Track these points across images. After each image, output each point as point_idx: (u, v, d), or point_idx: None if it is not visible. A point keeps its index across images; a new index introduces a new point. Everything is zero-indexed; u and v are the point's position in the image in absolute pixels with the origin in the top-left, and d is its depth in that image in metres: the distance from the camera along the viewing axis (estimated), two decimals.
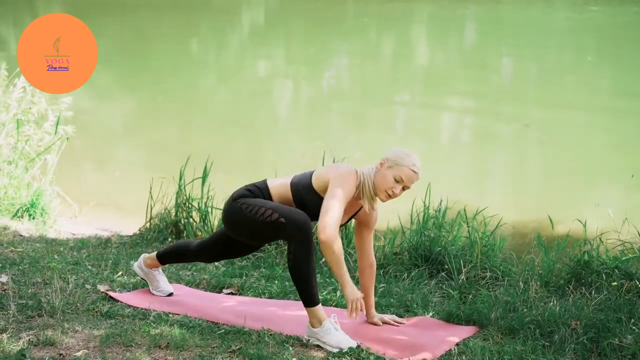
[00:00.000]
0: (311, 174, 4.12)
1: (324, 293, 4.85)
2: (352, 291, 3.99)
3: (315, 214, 4.05)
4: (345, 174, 4.01)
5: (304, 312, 4.42)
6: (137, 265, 4.69)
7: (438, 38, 19.70)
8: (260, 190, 4.15)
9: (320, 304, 4.01)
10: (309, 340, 4.01)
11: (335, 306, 4.67)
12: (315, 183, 4.07)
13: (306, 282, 3.95)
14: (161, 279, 4.65)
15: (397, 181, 4.04)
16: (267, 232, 4.06)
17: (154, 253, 4.63)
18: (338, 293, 4.87)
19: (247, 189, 4.18)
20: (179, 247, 4.59)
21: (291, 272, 3.97)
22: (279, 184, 4.16)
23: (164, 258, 4.59)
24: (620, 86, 13.51)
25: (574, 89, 13.56)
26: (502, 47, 17.76)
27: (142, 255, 4.68)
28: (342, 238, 5.60)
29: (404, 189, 4.09)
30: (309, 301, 3.99)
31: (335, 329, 3.98)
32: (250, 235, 4.15)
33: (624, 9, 22.27)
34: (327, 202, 3.93)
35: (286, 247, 5.50)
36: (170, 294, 4.63)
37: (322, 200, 4.00)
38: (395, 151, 4.08)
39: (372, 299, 4.42)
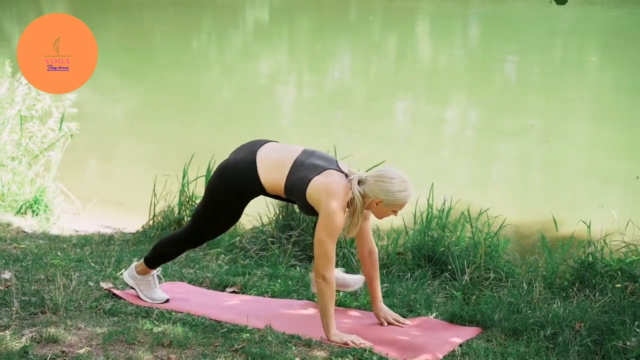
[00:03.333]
0: (307, 180, 4.02)
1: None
2: (336, 334, 4.06)
3: (302, 210, 4.16)
4: (334, 212, 3.96)
5: (307, 311, 4.43)
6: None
7: (442, 37, 19.68)
8: (251, 179, 4.09)
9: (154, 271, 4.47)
10: (125, 286, 4.46)
11: (338, 306, 4.65)
12: (310, 199, 4.03)
13: (164, 259, 4.47)
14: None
15: (394, 212, 4.08)
16: (202, 209, 4.26)
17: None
18: (341, 293, 4.87)
19: (241, 179, 4.10)
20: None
21: (164, 244, 4.41)
22: (272, 180, 4.08)
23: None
24: (625, 87, 13.49)
25: (578, 90, 13.54)
26: (506, 47, 17.73)
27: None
28: (344, 236, 5.59)
29: None
30: (152, 265, 4.46)
31: (154, 286, 4.46)
32: (205, 206, 4.26)
33: (628, 10, 22.24)
34: (321, 249, 3.99)
35: (289, 245, 5.53)
36: (167, 301, 4.56)
37: (312, 208, 4.03)
38: (386, 189, 3.97)
39: (378, 289, 4.38)
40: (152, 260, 4.47)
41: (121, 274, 4.82)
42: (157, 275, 4.55)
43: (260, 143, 4.20)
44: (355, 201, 4.02)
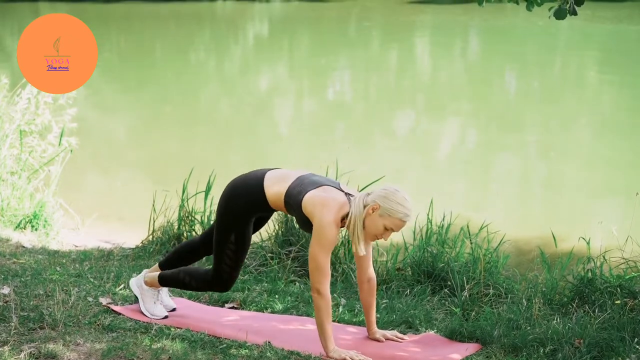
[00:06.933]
0: (303, 194, 4.06)
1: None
2: (335, 350, 4.03)
3: (300, 226, 4.20)
4: (327, 224, 3.97)
5: (306, 327, 4.43)
6: (134, 283, 4.66)
7: (442, 51, 19.74)
8: (258, 197, 4.17)
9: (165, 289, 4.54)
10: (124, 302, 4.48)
11: (338, 322, 4.65)
12: (305, 208, 4.06)
13: (177, 285, 4.48)
14: (160, 297, 4.62)
15: (386, 229, 4.03)
16: (217, 252, 4.27)
17: (156, 265, 4.63)
18: (340, 308, 4.86)
19: (248, 199, 4.18)
20: (182, 248, 4.62)
21: (189, 274, 4.41)
22: (276, 193, 4.15)
23: (169, 267, 4.59)
24: (624, 102, 13.52)
25: (577, 105, 13.56)
26: (506, 61, 17.79)
27: (145, 273, 4.66)
28: (345, 253, 5.59)
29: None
30: (164, 284, 4.49)
31: (157, 301, 4.50)
32: (216, 230, 4.28)
33: (628, 25, 22.30)
34: (314, 262, 3.99)
35: (288, 260, 5.53)
36: (174, 310, 4.60)
37: (309, 220, 4.05)
38: (386, 197, 3.98)
39: (374, 315, 4.40)
40: (167, 282, 4.50)
41: (121, 288, 4.81)
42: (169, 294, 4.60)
43: (273, 168, 4.32)
44: (350, 217, 4.02)
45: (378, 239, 4.08)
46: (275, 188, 4.15)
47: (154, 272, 4.57)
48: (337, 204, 4.01)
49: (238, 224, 4.22)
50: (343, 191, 4.10)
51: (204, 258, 4.97)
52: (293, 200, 4.08)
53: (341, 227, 4.08)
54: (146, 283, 4.54)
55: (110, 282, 5.10)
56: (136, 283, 4.58)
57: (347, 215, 4.04)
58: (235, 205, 4.21)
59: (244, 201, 4.19)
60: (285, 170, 4.29)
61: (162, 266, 4.60)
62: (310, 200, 4.02)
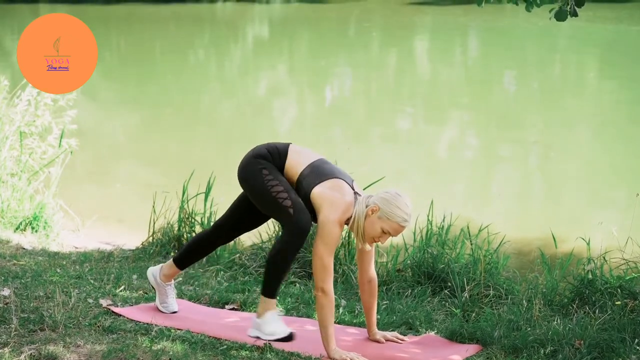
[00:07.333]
0: (315, 184, 4.08)
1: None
2: (336, 351, 4.02)
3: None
4: (331, 223, 3.99)
5: (306, 328, 4.42)
6: (151, 273, 4.62)
7: (442, 51, 19.73)
8: (279, 156, 4.19)
9: (276, 300, 4.21)
10: (255, 338, 4.15)
11: (338, 323, 4.64)
12: (313, 199, 4.08)
13: (278, 276, 4.15)
14: (170, 294, 4.61)
15: (384, 232, 4.03)
16: (272, 209, 4.15)
17: (171, 261, 4.59)
18: (340, 310, 4.86)
19: (269, 149, 4.21)
20: (194, 243, 4.57)
21: (270, 261, 4.13)
22: (294, 165, 4.17)
23: (183, 261, 4.56)
24: (625, 103, 13.52)
25: (577, 106, 13.56)
26: (506, 62, 17.78)
27: (161, 266, 4.62)
28: (345, 254, 5.59)
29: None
30: (270, 293, 4.17)
31: (273, 320, 4.18)
32: (257, 199, 4.20)
33: (627, 26, 22.30)
34: (319, 261, 3.99)
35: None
36: (174, 312, 4.59)
37: (313, 209, 4.06)
38: (387, 199, 4.00)
39: (374, 317, 4.40)
40: (274, 281, 4.24)
41: (122, 289, 4.79)
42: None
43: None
44: (354, 216, 4.04)
45: (375, 242, 4.08)
46: (294, 161, 4.18)
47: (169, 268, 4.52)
48: (344, 205, 4.02)
49: (264, 166, 4.17)
50: (353, 189, 4.10)
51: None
52: (305, 183, 4.11)
53: (345, 224, 4.09)
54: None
55: (111, 283, 5.10)
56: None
57: (352, 216, 4.05)
58: (258, 155, 4.20)
59: (269, 157, 4.19)
60: (307, 149, 4.29)
61: (176, 261, 4.57)
62: (319, 195, 4.05)
